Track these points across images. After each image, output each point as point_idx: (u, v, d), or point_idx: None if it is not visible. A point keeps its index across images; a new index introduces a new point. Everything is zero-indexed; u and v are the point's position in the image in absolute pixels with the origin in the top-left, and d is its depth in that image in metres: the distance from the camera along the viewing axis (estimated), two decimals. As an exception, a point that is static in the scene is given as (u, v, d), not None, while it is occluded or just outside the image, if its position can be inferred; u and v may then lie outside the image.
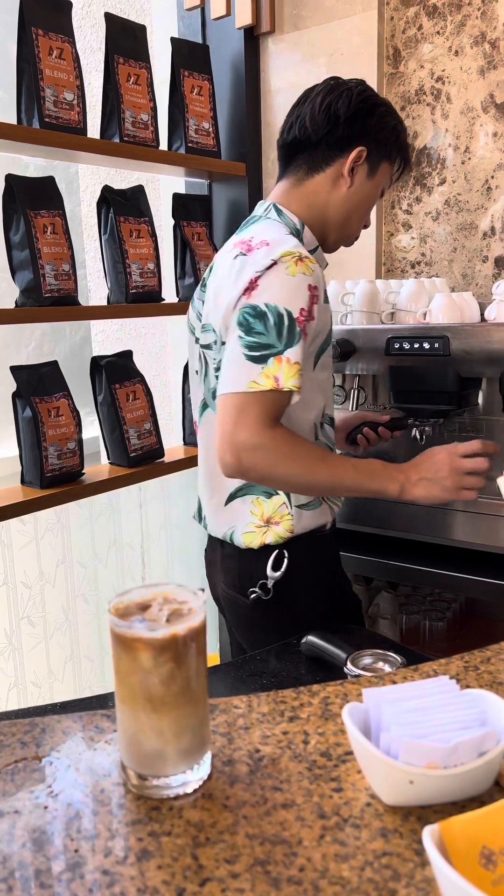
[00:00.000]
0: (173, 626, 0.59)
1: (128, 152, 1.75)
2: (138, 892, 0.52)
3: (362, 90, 1.24)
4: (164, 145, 1.91)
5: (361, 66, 1.90)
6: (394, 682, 0.78)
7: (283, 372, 1.08)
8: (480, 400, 1.64)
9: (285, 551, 1.25)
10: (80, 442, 1.71)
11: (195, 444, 2.05)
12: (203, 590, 0.63)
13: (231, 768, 0.65)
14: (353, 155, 1.23)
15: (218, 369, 1.20)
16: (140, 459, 1.85)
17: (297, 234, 1.24)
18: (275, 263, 1.11)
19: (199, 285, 1.35)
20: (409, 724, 0.59)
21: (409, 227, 1.98)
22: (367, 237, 1.98)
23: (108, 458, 1.86)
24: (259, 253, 1.14)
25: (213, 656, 2.10)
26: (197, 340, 1.33)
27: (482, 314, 1.67)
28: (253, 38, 2.03)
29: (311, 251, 1.24)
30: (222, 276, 1.19)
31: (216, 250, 2.05)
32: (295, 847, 0.56)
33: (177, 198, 2.01)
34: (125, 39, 1.74)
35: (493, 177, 1.84)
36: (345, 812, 0.59)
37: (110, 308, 1.81)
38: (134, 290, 1.80)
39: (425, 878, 0.53)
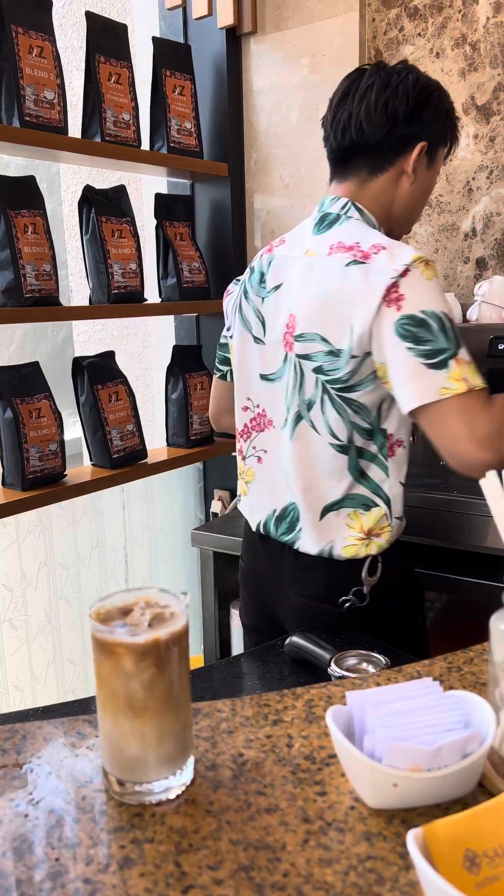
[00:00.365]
0: (155, 631, 0.58)
1: (109, 152, 1.74)
2: (120, 900, 0.51)
3: (415, 79, 1.18)
4: (145, 145, 1.90)
5: (344, 67, 1.90)
6: (378, 684, 0.78)
7: (467, 372, 1.07)
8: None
9: (380, 557, 1.25)
10: (61, 443, 1.69)
11: (179, 446, 2.06)
12: (185, 593, 0.62)
13: (214, 773, 0.65)
14: (415, 153, 1.19)
15: (336, 381, 1.15)
16: (123, 461, 1.84)
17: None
18: (408, 270, 1.08)
19: (256, 280, 1.28)
20: (393, 726, 0.59)
21: (391, 228, 1.99)
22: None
23: (91, 460, 1.85)
24: (380, 259, 1.10)
25: (198, 658, 2.09)
26: (257, 340, 1.27)
27: (464, 315, 1.68)
28: (235, 38, 2.03)
29: None
30: (329, 282, 1.14)
31: (199, 251, 2.04)
32: (279, 852, 0.56)
33: (159, 198, 2.00)
34: (106, 38, 1.73)
35: (474, 178, 1.85)
36: (329, 816, 0.59)
37: (92, 308, 1.80)
38: (116, 291, 1.79)
39: (409, 882, 0.53)
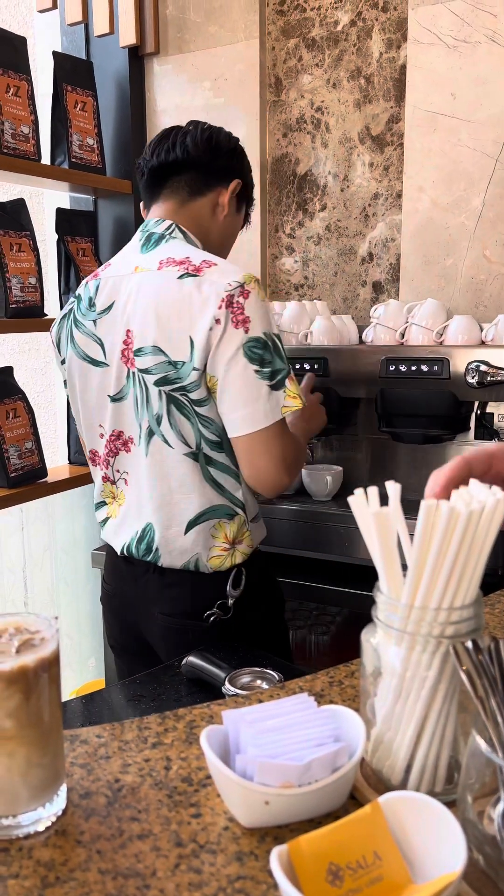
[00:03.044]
0: (22, 658, 0.57)
1: (7, 165, 1.70)
2: (-22, 942, 0.49)
3: (232, 135, 1.32)
4: (46, 159, 1.87)
5: (245, 92, 1.95)
6: (260, 702, 0.78)
7: (297, 388, 1.17)
8: (359, 419, 1.70)
9: (243, 568, 1.27)
10: (-46, 462, 1.63)
11: (81, 463, 2.02)
12: (57, 618, 0.61)
13: (88, 801, 0.63)
14: (232, 185, 1.29)
15: (181, 390, 1.16)
16: (21, 479, 1.79)
17: None
18: (245, 290, 1.13)
19: (84, 307, 1.27)
20: (265, 744, 0.60)
21: (292, 250, 2.03)
22: (252, 258, 2.02)
23: (-13, 479, 1.79)
24: (212, 273, 1.14)
25: (100, 682, 2.05)
26: (98, 364, 1.26)
27: (360, 337, 1.73)
28: (137, 57, 2.04)
29: None
30: (169, 295, 1.15)
31: (102, 267, 2.03)
32: (148, 879, 0.55)
33: (60, 213, 1.98)
34: (4, 50, 1.70)
35: (370, 205, 1.92)
36: (202, 838, 0.59)
37: (-12, 322, 1.75)
38: (14, 305, 1.75)
39: (277, 900, 0.53)
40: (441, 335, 1.56)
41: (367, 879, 0.51)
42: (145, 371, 1.19)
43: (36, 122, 1.77)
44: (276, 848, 0.50)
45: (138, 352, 1.19)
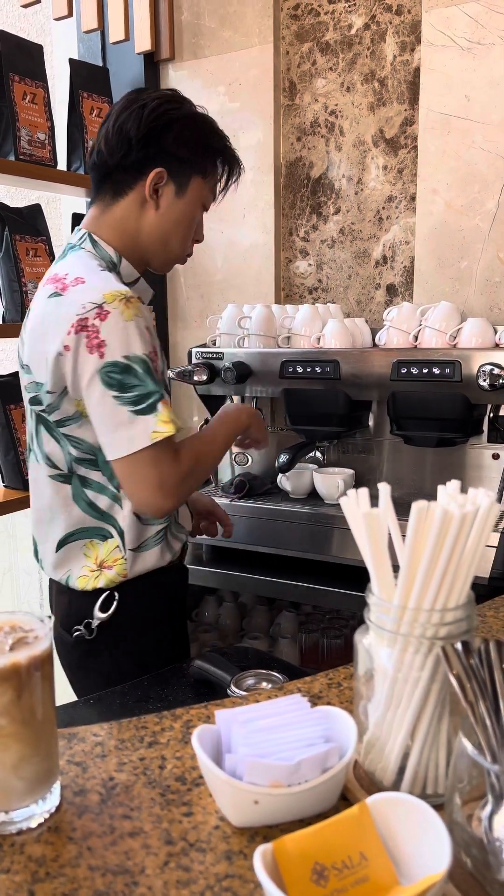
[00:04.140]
0: (14, 655, 0.57)
1: (23, 171, 1.73)
2: (-34, 934, 0.50)
3: (158, 105, 1.15)
4: (63, 165, 1.90)
5: (259, 96, 1.96)
6: (257, 702, 0.78)
7: (171, 413, 1.08)
8: (371, 422, 1.69)
9: (116, 593, 1.21)
10: (-31, 464, 1.66)
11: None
12: (50, 617, 0.62)
13: (82, 798, 0.64)
14: (150, 178, 1.16)
15: (47, 411, 1.13)
16: (36, 482, 1.80)
17: (114, 267, 1.18)
18: (104, 310, 1.05)
19: (26, 319, 1.27)
20: (256, 743, 0.60)
21: (306, 253, 2.04)
22: (266, 262, 2.02)
23: (3, 482, 1.81)
24: (75, 292, 1.08)
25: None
26: (26, 374, 1.27)
27: (374, 339, 1.73)
28: (153, 63, 2.06)
29: (131, 283, 1.20)
30: (37, 314, 1.13)
31: (117, 271, 2.05)
32: (137, 876, 0.55)
33: (76, 218, 1.99)
34: (21, 58, 1.73)
35: (383, 208, 1.91)
36: (192, 837, 0.59)
37: (4, 327, 1.77)
38: (30, 310, 1.77)
39: (263, 899, 0.53)
40: (455, 338, 1.55)
41: (352, 879, 0.51)
42: (24, 388, 1.19)
43: (52, 129, 1.80)
44: (260, 847, 0.50)
45: (21, 368, 1.20)
